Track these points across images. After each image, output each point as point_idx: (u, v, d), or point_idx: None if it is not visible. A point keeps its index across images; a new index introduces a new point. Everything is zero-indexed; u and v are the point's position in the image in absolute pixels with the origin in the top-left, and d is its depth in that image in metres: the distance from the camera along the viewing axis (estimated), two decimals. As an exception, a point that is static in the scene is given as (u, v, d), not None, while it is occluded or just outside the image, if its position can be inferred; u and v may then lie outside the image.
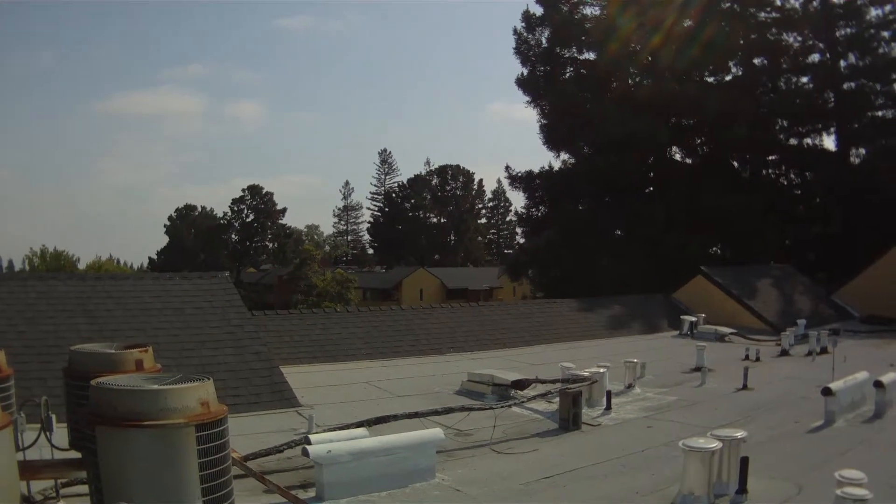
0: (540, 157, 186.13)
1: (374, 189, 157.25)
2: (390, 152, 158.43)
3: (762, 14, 48.64)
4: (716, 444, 9.42)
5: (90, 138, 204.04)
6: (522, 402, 15.48)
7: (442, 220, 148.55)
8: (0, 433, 6.22)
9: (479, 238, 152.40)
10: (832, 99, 48.10)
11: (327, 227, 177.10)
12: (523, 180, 53.92)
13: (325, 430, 11.97)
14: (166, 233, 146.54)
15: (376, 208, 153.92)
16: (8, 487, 6.31)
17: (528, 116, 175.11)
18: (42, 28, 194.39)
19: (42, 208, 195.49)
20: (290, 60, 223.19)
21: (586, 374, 16.41)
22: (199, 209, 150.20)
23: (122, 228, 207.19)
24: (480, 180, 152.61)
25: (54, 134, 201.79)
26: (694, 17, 45.69)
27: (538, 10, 52.55)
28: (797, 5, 48.14)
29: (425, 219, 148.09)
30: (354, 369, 20.75)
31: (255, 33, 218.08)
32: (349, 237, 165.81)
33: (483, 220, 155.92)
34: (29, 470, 7.70)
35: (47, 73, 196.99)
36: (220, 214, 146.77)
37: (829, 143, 49.64)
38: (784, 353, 24.34)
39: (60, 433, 8.39)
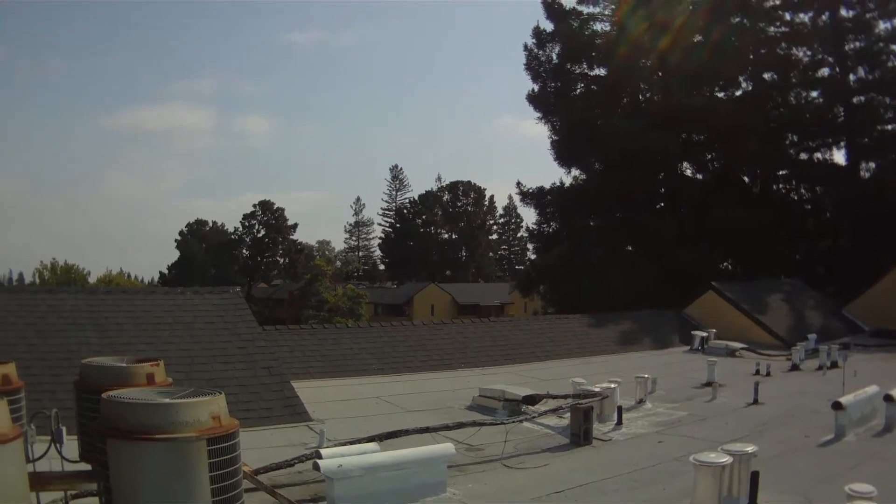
0: (551, 173, 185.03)
1: (385, 205, 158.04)
2: (401, 168, 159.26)
3: (772, 29, 48.74)
4: (726, 459, 9.41)
5: (100, 152, 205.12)
6: (533, 417, 15.46)
7: (453, 236, 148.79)
8: (10, 445, 6.23)
9: (491, 254, 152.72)
10: (842, 113, 48.11)
11: (338, 242, 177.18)
12: (534, 196, 53.99)
13: (336, 445, 11.98)
14: (177, 247, 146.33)
15: (387, 224, 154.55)
16: (18, 499, 6.33)
17: (538, 132, 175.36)
18: (52, 42, 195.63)
19: (52, 222, 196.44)
20: (300, 75, 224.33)
21: (597, 389, 16.42)
22: (210, 224, 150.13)
23: (133, 243, 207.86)
24: (492, 196, 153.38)
25: (65, 147, 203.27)
26: (703, 33, 45.73)
27: (548, 27, 52.80)
28: (806, 20, 48.29)
29: (436, 235, 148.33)
30: (366, 384, 20.77)
31: (264, 48, 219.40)
32: (360, 253, 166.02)
33: (494, 236, 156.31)
34: (39, 481, 7.73)
35: (58, 86, 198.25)
36: (231, 229, 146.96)
37: (839, 157, 49.69)
38: (794, 367, 24.31)
39: (71, 445, 8.41)
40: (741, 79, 49.67)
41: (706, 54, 44.34)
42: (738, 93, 50.18)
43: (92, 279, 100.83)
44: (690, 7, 45.91)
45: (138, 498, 5.97)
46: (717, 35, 44.70)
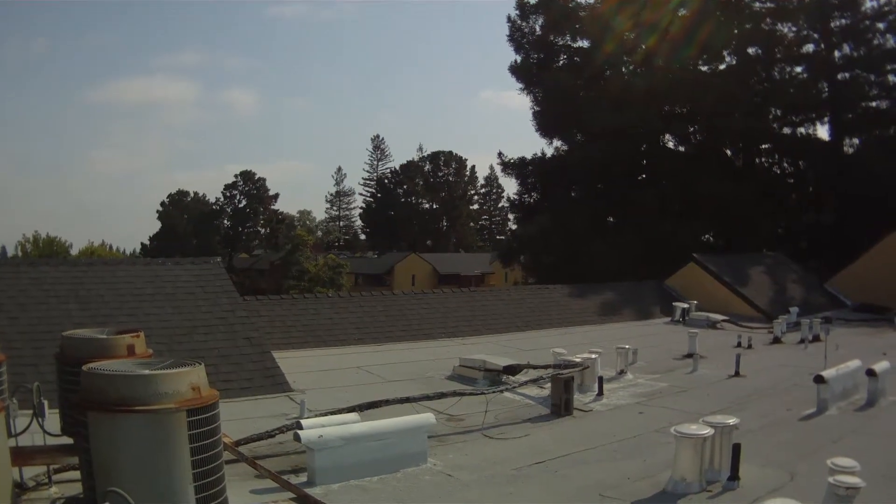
0: (532, 144, 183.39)
1: (366, 175, 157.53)
2: (383, 138, 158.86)
3: (757, 3, 48.64)
4: (708, 431, 9.45)
5: (83, 126, 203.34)
6: (514, 387, 15.51)
7: (434, 206, 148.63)
8: (-8, 418, 6.21)
9: (472, 224, 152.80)
10: (826, 89, 48.08)
11: (320, 212, 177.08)
12: (516, 167, 54.06)
13: (316, 415, 11.99)
14: (158, 218, 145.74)
15: (368, 194, 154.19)
16: (0, 473, 6.29)
17: (520, 103, 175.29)
18: (35, 16, 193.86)
19: (35, 195, 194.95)
20: (284, 48, 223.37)
21: (578, 359, 16.47)
22: (192, 195, 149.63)
23: (115, 215, 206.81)
24: (473, 166, 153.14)
25: (47, 121, 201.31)
26: (689, 6, 45.64)
27: (532, -2, 52.62)
28: (792, -5, 48.11)
29: (417, 205, 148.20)
30: (346, 354, 20.77)
31: (248, 21, 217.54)
32: (341, 223, 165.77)
33: (475, 206, 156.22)
34: (21, 456, 7.70)
35: (40, 60, 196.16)
36: (212, 200, 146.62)
37: (823, 132, 49.76)
38: (776, 340, 24.41)
39: (52, 419, 8.38)
40: (725, 53, 49.55)
41: (691, 28, 44.23)
42: (723, 67, 50.12)
43: (74, 251, 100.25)
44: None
45: (118, 470, 5.94)
46: (703, 9, 44.62)
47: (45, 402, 8.32)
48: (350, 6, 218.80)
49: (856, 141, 48.38)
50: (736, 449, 9.75)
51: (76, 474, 7.87)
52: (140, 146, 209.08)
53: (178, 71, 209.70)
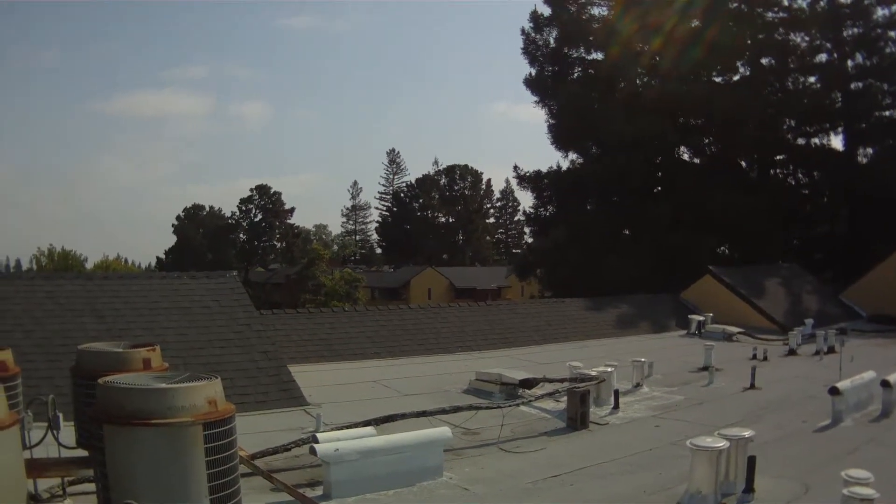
0: (548, 157, 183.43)
1: (382, 189, 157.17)
2: (398, 152, 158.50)
3: (769, 14, 48.49)
4: (723, 444, 9.42)
5: (95, 138, 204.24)
6: (530, 401, 15.51)
7: (450, 220, 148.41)
8: (7, 431, 6.24)
9: (488, 237, 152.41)
10: (840, 99, 47.93)
11: (335, 226, 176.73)
12: (531, 180, 53.92)
13: (332, 429, 12.01)
14: (174, 232, 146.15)
15: (384, 208, 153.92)
16: (15, 485, 6.33)
17: (535, 116, 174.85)
18: (46, 27, 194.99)
19: (49, 208, 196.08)
20: (296, 60, 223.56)
21: (594, 373, 16.43)
22: (207, 209, 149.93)
23: (130, 228, 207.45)
24: (489, 180, 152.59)
25: (60, 134, 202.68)
26: (701, 18, 45.61)
27: (546, 11, 52.55)
28: (804, 5, 47.96)
29: (433, 218, 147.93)
30: (362, 368, 20.79)
31: (259, 33, 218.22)
32: (357, 237, 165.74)
33: (491, 220, 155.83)
34: (36, 468, 7.74)
35: (52, 72, 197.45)
36: (227, 214, 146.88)
37: (837, 142, 49.52)
38: (791, 352, 24.32)
39: (68, 432, 8.41)
40: (739, 64, 49.46)
41: (704, 39, 44.21)
42: (736, 78, 50.00)
43: (89, 265, 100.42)
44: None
45: (134, 483, 5.97)
46: (716, 20, 44.59)
47: (60, 415, 8.36)
48: (361, 18, 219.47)
49: (870, 150, 48.14)
50: (751, 461, 9.74)
51: (91, 486, 7.90)
52: (152, 158, 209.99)
53: (188, 84, 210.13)
